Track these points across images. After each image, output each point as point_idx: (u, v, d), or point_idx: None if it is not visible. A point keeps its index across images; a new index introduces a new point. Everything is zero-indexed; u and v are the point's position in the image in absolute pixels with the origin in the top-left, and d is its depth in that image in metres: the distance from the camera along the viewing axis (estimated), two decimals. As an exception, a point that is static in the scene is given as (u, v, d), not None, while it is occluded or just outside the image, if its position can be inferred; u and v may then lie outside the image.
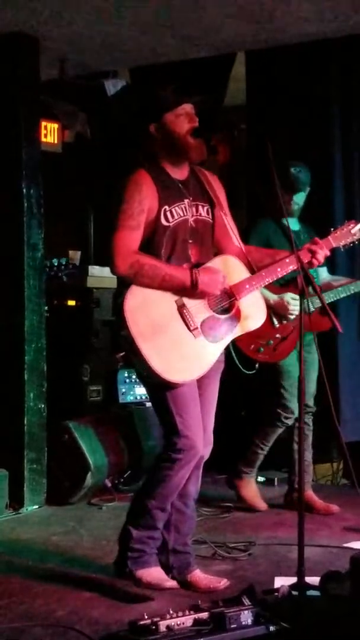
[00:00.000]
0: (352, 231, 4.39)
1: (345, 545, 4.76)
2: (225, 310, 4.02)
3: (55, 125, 7.15)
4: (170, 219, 4.00)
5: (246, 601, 3.51)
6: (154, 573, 4.05)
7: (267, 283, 4.16)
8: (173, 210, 4.02)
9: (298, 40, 5.93)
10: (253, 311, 4.12)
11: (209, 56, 6.26)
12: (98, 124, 7.52)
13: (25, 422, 5.71)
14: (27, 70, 5.87)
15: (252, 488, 5.70)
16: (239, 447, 6.09)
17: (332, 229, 4.36)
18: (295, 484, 5.52)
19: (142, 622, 3.38)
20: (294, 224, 5.68)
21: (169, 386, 3.92)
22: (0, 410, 5.82)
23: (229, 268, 4.08)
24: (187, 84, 4.23)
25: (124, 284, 3.95)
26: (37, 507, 5.74)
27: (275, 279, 4.17)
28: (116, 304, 3.97)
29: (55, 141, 7.15)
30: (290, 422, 5.51)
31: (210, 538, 4.77)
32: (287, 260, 4.13)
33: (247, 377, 6.69)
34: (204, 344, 3.93)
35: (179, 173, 4.11)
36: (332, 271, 5.80)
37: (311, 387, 5.48)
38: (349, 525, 5.19)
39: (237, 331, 4.06)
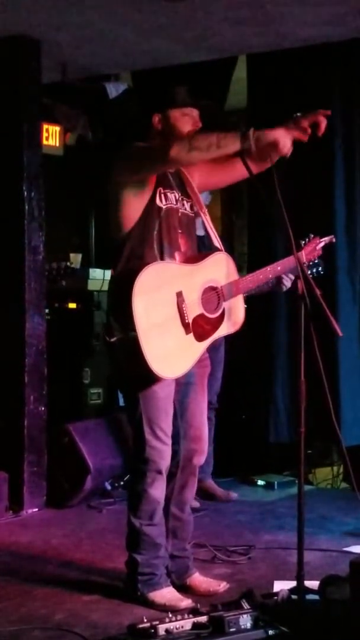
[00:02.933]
0: (317, 247, 4.40)
1: (345, 549, 4.76)
2: (214, 310, 4.01)
3: (57, 128, 7.16)
4: (164, 202, 3.99)
5: (245, 605, 3.51)
6: (167, 594, 3.96)
7: (253, 287, 4.17)
8: (167, 194, 4.01)
9: (300, 44, 5.93)
10: (234, 314, 4.11)
11: (210, 59, 6.26)
12: (99, 126, 7.53)
13: (26, 424, 5.70)
14: (29, 73, 5.87)
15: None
16: (241, 451, 6.10)
17: (302, 242, 4.31)
18: None
19: (141, 626, 3.38)
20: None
21: (143, 386, 3.89)
22: (1, 413, 5.82)
23: (226, 266, 4.08)
24: (192, 88, 4.22)
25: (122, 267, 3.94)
26: (36, 509, 5.73)
27: (258, 284, 4.18)
28: (118, 285, 3.91)
29: (57, 144, 7.16)
30: None
31: (209, 541, 4.76)
32: (269, 267, 4.17)
33: (247, 381, 6.74)
34: (191, 341, 3.90)
35: None
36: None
37: (217, 384, 5.86)
38: (348, 530, 5.18)
39: (219, 332, 4.05)
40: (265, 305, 6.16)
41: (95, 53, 6.13)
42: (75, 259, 7.33)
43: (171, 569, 4.13)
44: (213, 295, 4.01)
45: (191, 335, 3.90)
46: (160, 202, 3.98)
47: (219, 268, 4.06)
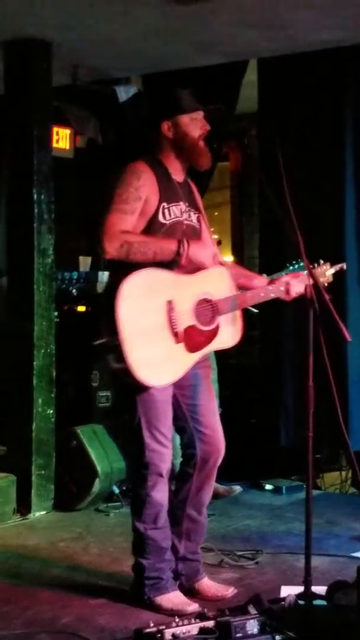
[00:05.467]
0: (327, 273, 4.25)
1: (353, 554, 4.75)
2: (207, 323, 3.97)
3: (67, 131, 7.17)
4: (168, 217, 3.99)
5: (252, 610, 3.50)
6: (174, 599, 3.95)
7: (248, 306, 4.14)
8: (171, 209, 4.01)
9: (311, 48, 5.92)
10: (230, 329, 4.07)
11: (221, 63, 6.26)
12: (110, 130, 7.54)
13: (34, 427, 5.71)
14: (40, 76, 5.88)
15: None
16: (249, 455, 6.08)
17: (312, 266, 4.15)
18: None
19: (147, 630, 3.37)
20: None
21: (140, 389, 3.88)
22: (9, 416, 5.83)
23: (220, 280, 4.05)
24: (203, 91, 4.23)
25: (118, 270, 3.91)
26: (44, 512, 5.73)
27: (257, 302, 4.16)
28: (110, 286, 3.91)
29: (67, 147, 7.18)
30: None
31: (217, 546, 4.75)
32: (271, 287, 4.13)
33: (256, 385, 6.73)
34: (181, 351, 3.88)
35: (178, 175, 4.11)
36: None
37: (214, 387, 5.69)
38: (356, 535, 5.17)
39: (213, 346, 4.02)
40: (275, 310, 6.16)
41: (106, 56, 6.14)
42: (85, 262, 7.33)
43: (181, 572, 4.12)
44: (207, 307, 3.97)
45: (181, 345, 3.87)
46: (163, 219, 3.98)
47: (215, 281, 4.02)
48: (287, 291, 4.11)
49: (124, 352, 3.73)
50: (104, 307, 3.91)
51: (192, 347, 3.92)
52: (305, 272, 4.15)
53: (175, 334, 3.85)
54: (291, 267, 4.34)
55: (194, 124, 4.06)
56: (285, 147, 3.99)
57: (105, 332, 3.82)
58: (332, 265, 4.29)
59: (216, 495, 5.80)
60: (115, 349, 3.76)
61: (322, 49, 5.93)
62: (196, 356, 3.95)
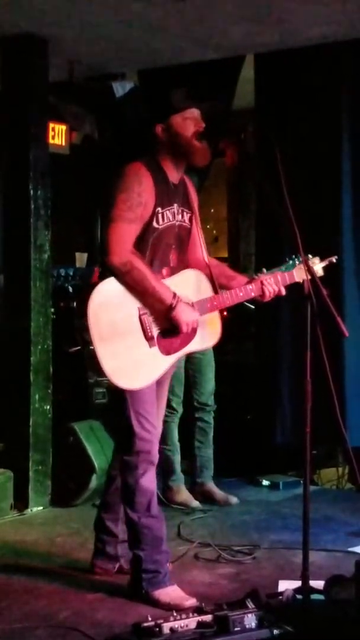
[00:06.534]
0: (316, 267, 4.16)
1: (350, 549, 4.76)
2: None
3: (63, 127, 7.15)
4: (161, 222, 4.02)
5: (250, 604, 3.51)
6: (172, 593, 3.98)
7: (227, 306, 4.13)
8: (165, 213, 4.03)
9: (308, 43, 5.92)
10: (209, 330, 4.10)
11: (217, 58, 6.26)
12: (106, 126, 7.53)
13: (31, 423, 5.71)
14: (36, 72, 5.87)
15: (182, 492, 5.80)
16: (246, 451, 6.08)
17: (297, 262, 4.15)
18: (196, 477, 5.91)
19: (145, 624, 3.39)
20: None
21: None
22: (6, 412, 5.83)
23: (195, 283, 4.07)
24: (198, 89, 4.22)
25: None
26: (41, 508, 5.74)
27: (235, 303, 4.13)
28: (80, 297, 3.95)
29: (63, 143, 7.15)
30: (172, 418, 5.70)
31: (214, 541, 4.76)
32: (250, 287, 4.12)
33: (253, 382, 6.74)
34: (156, 354, 3.92)
35: (174, 176, 4.12)
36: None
37: (210, 385, 5.86)
38: (353, 530, 5.18)
39: (191, 347, 4.06)
40: (271, 306, 6.15)
41: (102, 52, 6.13)
42: (81, 258, 7.33)
43: (122, 555, 4.28)
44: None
45: (155, 348, 3.92)
46: (157, 224, 4.01)
47: (188, 285, 4.05)
48: (262, 290, 4.13)
49: (98, 361, 3.79)
50: (75, 314, 3.95)
51: (168, 350, 3.97)
52: (284, 270, 4.18)
53: (150, 339, 3.89)
54: (284, 267, 4.29)
55: (187, 123, 4.06)
56: (281, 143, 3.96)
57: (79, 338, 3.87)
58: (321, 259, 4.25)
59: (212, 500, 5.81)
60: (89, 356, 3.82)
61: (319, 43, 5.92)
62: (172, 358, 4.01)
